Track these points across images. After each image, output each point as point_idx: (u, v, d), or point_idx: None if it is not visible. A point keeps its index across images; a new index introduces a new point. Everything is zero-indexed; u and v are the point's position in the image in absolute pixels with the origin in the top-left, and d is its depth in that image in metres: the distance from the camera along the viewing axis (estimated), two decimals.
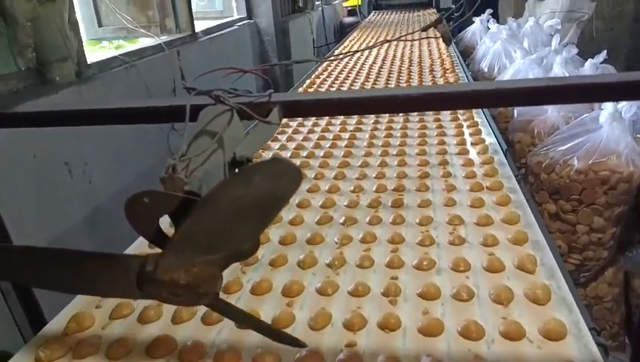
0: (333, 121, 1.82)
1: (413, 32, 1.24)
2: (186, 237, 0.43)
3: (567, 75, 2.61)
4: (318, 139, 1.69)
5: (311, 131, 1.79)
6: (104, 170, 2.24)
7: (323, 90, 2.30)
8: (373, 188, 1.26)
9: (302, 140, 1.70)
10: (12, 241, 0.89)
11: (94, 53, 3.13)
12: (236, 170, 0.53)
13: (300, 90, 2.32)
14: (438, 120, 1.76)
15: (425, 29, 0.97)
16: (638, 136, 1.84)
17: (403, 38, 2.75)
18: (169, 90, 3.01)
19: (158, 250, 0.48)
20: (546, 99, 0.81)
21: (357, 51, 2.74)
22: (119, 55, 2.65)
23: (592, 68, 2.42)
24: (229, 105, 0.59)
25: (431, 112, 1.77)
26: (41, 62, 2.05)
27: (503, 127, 2.35)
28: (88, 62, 2.34)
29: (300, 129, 1.82)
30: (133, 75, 2.65)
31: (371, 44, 4.00)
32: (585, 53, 3.00)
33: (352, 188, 1.28)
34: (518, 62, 2.54)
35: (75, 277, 0.48)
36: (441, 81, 2.28)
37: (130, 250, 1.05)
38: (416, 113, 1.78)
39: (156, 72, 2.85)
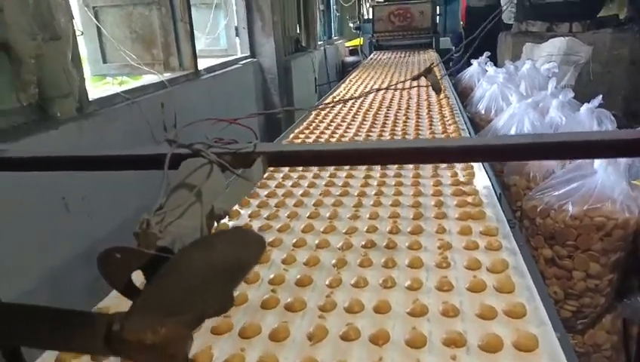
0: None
1: (404, 81, 1.26)
2: (153, 298, 0.42)
3: (563, 118, 2.64)
4: (308, 186, 1.64)
5: (302, 177, 1.74)
6: (102, 204, 2.24)
7: (314, 136, 2.28)
8: (361, 244, 1.19)
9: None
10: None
11: (98, 89, 3.19)
12: (206, 231, 0.53)
13: (291, 136, 2.29)
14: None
15: (415, 78, 0.99)
16: (633, 181, 1.84)
17: (393, 87, 2.78)
18: (170, 126, 3.04)
19: None
20: (532, 155, 0.81)
21: (347, 100, 2.75)
22: (121, 92, 2.69)
23: (587, 112, 2.44)
24: (209, 158, 0.60)
25: None
26: (42, 98, 2.08)
27: (499, 170, 2.36)
28: (90, 99, 2.38)
29: (292, 174, 1.76)
30: (134, 112, 2.68)
31: (372, 82, 4.06)
32: (583, 96, 3.03)
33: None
34: (514, 106, 2.57)
35: (45, 335, 0.47)
36: (439, 126, 2.26)
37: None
38: None
39: (158, 108, 2.89)
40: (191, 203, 0.55)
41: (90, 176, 2.11)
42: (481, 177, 1.61)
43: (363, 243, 1.20)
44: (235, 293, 0.96)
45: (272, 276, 1.07)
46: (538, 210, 1.83)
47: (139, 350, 0.46)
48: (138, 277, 0.50)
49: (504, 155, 0.87)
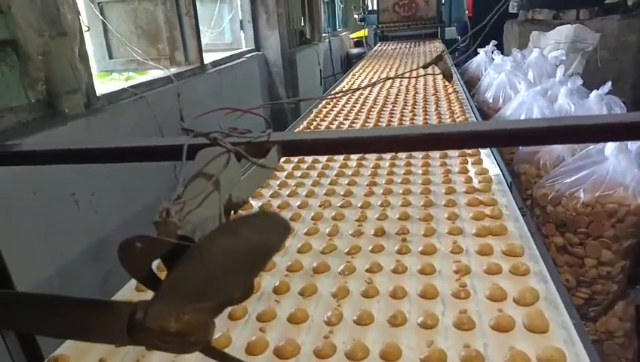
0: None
1: (415, 69, 1.22)
2: (175, 286, 0.43)
3: (572, 106, 2.62)
4: (317, 175, 1.63)
5: (311, 167, 1.74)
6: (111, 201, 2.26)
7: (323, 126, 2.28)
8: (365, 268, 1.04)
9: (300, 176, 1.66)
10: (13, 281, 0.88)
11: (105, 85, 3.20)
12: (225, 220, 0.53)
13: (301, 127, 2.28)
14: (445, 154, 1.70)
15: (426, 66, 0.98)
16: None
17: (404, 75, 2.76)
18: (178, 121, 3.05)
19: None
20: (547, 139, 0.80)
21: (357, 89, 2.73)
22: (128, 87, 2.69)
23: (597, 99, 2.41)
24: (226, 147, 0.60)
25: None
26: (51, 95, 2.08)
27: (508, 159, 2.35)
28: (97, 94, 2.38)
29: (301, 165, 1.77)
30: (142, 107, 2.69)
31: (377, 76, 4.04)
32: (590, 84, 3.00)
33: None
34: (523, 94, 2.55)
35: (67, 324, 0.48)
36: (447, 118, 2.23)
37: (131, 285, 1.05)
38: None
39: (165, 103, 2.90)
40: (209, 192, 0.55)
41: (99, 172, 2.13)
42: (497, 182, 1.46)
43: (367, 266, 1.03)
44: (216, 335, 0.84)
45: (260, 311, 0.93)
46: (549, 197, 1.82)
47: (161, 338, 0.46)
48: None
49: (522, 140, 0.85)
